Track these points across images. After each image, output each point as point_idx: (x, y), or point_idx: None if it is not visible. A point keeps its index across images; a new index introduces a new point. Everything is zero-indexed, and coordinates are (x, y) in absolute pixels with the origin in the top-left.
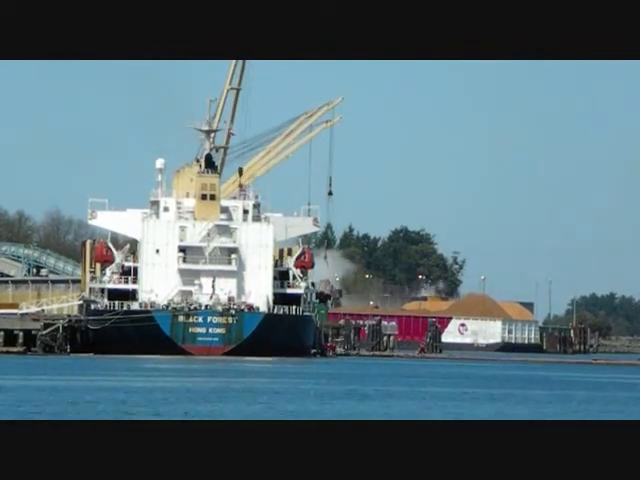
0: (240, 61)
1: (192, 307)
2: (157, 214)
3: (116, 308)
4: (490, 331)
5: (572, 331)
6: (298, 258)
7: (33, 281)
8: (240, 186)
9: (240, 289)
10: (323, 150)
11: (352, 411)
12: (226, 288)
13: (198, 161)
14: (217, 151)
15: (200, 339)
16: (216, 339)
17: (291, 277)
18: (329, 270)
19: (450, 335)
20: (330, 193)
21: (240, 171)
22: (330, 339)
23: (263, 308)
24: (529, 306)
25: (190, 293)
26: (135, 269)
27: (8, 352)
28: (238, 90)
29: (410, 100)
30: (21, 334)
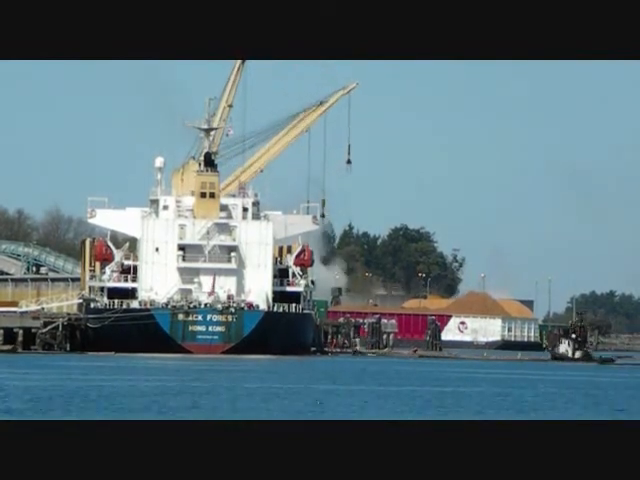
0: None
1: (192, 305)
2: (156, 212)
3: (116, 306)
4: (490, 329)
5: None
6: (298, 256)
7: (33, 279)
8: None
9: (240, 287)
10: (322, 147)
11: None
12: (226, 286)
13: (194, 159)
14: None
15: (200, 337)
16: (216, 337)
17: (291, 275)
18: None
19: (450, 333)
20: (349, 162)
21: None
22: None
23: (263, 306)
24: (529, 304)
25: (190, 291)
26: (135, 267)
27: None
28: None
29: (409, 99)
30: (21, 332)
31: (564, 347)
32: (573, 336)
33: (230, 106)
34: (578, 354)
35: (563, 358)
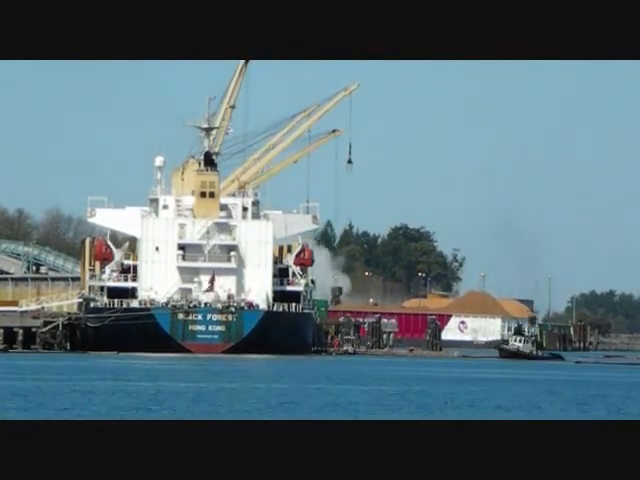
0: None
1: (192, 305)
2: (156, 212)
3: (115, 306)
4: (490, 328)
5: (572, 329)
6: (298, 255)
7: (33, 279)
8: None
9: (240, 287)
10: (322, 146)
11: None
12: (225, 285)
13: (194, 158)
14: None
15: (200, 337)
16: (216, 337)
17: (291, 274)
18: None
19: (450, 332)
20: (349, 161)
21: None
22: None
23: (263, 305)
24: (529, 303)
25: (190, 291)
26: (135, 267)
27: None
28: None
29: (409, 98)
30: (21, 332)
31: (519, 345)
32: (528, 334)
33: (232, 107)
34: (541, 352)
35: (523, 356)
